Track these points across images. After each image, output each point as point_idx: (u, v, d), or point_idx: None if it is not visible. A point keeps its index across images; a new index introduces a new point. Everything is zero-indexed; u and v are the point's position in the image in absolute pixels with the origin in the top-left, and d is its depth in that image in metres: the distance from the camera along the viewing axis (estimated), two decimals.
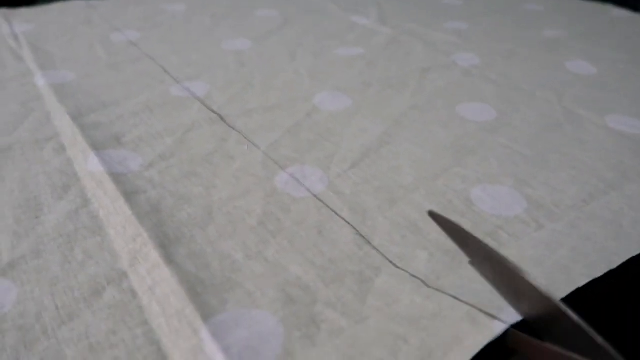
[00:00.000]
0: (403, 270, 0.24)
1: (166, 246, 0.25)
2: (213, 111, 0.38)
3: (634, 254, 0.24)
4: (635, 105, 0.39)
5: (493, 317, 0.20)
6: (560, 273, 0.23)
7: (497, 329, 0.20)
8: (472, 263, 0.23)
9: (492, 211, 0.28)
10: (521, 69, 0.46)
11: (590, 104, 0.40)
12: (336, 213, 0.27)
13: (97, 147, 0.33)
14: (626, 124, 0.37)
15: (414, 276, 0.23)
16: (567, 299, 0.21)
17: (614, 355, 0.17)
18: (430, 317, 0.21)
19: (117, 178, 0.30)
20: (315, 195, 0.29)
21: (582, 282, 0.22)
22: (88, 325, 0.21)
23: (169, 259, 0.24)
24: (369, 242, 0.25)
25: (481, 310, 0.21)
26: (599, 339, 0.17)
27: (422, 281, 0.23)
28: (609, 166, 0.32)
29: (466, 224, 0.27)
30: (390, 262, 0.24)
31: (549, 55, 0.50)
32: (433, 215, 0.23)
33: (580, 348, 0.18)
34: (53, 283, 0.23)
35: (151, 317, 0.22)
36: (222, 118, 0.37)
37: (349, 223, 0.27)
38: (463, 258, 0.25)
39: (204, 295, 0.22)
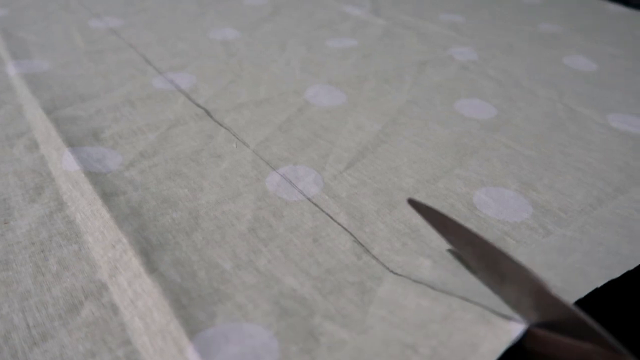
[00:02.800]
0: (406, 277, 0.22)
1: (148, 253, 0.23)
2: (199, 105, 0.36)
3: None
4: (637, 104, 0.38)
5: (508, 317, 0.19)
6: (576, 275, 0.22)
7: (515, 331, 0.18)
8: (452, 249, 0.21)
9: (497, 216, 0.26)
10: (520, 64, 0.45)
11: (591, 101, 0.39)
12: (332, 218, 0.26)
13: (73, 143, 0.30)
14: (629, 123, 0.35)
15: (418, 282, 0.22)
16: (583, 301, 0.20)
17: (611, 340, 0.16)
18: (440, 320, 0.19)
19: (95, 178, 0.28)
20: (309, 199, 0.27)
21: (600, 282, 0.21)
22: (63, 347, 0.19)
23: (151, 267, 0.22)
24: (368, 251, 0.24)
25: (494, 312, 0.19)
26: (594, 325, 0.16)
27: (428, 285, 0.21)
28: (615, 168, 0.30)
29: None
30: (392, 271, 0.23)
31: (547, 50, 0.49)
32: (412, 202, 0.22)
33: (574, 333, 0.17)
34: (24, 298, 0.21)
35: (134, 336, 0.20)
36: (208, 113, 0.35)
37: (346, 229, 0.25)
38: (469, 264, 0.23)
39: (190, 308, 0.21)
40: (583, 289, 0.21)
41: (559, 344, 0.17)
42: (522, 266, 0.18)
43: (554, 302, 0.17)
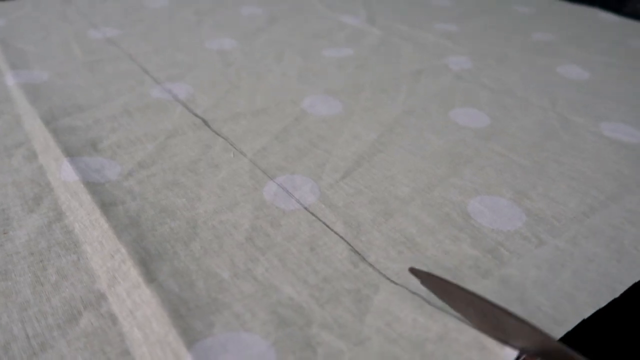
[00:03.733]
0: (403, 286, 0.22)
1: (147, 263, 0.23)
2: (197, 115, 0.36)
3: (637, 279, 0.23)
4: (630, 112, 0.39)
5: (503, 342, 0.19)
6: (565, 301, 0.22)
7: (509, 357, 0.18)
8: (458, 310, 0.21)
9: (491, 225, 0.26)
10: (513, 73, 0.46)
11: (584, 110, 0.39)
12: (329, 227, 0.26)
13: (71, 153, 0.31)
14: (622, 132, 0.36)
15: (414, 293, 0.22)
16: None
17: None
18: (436, 340, 0.20)
19: (94, 188, 0.28)
20: (306, 208, 0.27)
21: (588, 312, 0.22)
22: (63, 357, 0.19)
23: (150, 277, 0.22)
24: (364, 259, 0.24)
25: (490, 336, 0.19)
26: None
27: (424, 299, 0.22)
28: (608, 176, 0.31)
29: (465, 240, 0.25)
30: (388, 278, 0.23)
31: (541, 58, 0.49)
32: (413, 271, 0.22)
33: None
34: (23, 308, 0.21)
35: (133, 346, 0.20)
36: (206, 123, 0.35)
37: (343, 238, 0.25)
38: (464, 275, 0.23)
39: (188, 318, 0.21)
40: (571, 319, 0.21)
41: None
42: (523, 320, 0.18)
43: (557, 349, 0.17)
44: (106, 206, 0.27)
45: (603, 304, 0.22)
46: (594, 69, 0.47)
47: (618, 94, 0.42)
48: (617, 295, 0.22)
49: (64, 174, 0.29)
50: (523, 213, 0.27)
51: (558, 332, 0.21)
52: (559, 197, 0.29)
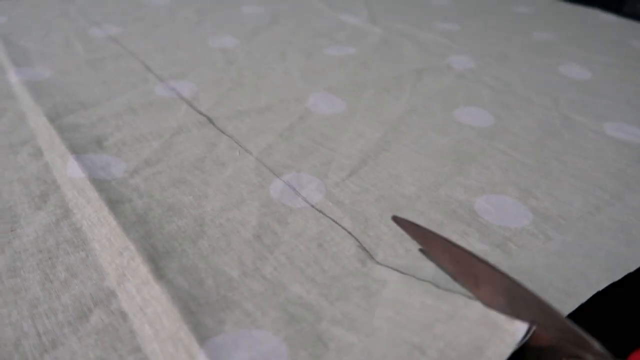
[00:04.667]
0: (410, 275, 0.23)
1: (156, 260, 0.23)
2: (201, 113, 0.36)
3: None
4: (632, 112, 0.39)
5: (513, 317, 0.19)
6: (577, 278, 0.22)
7: (519, 331, 0.18)
8: (427, 254, 0.24)
9: (497, 222, 0.27)
10: (515, 73, 0.46)
11: (586, 109, 0.39)
12: (336, 222, 0.26)
13: (77, 150, 0.31)
14: (624, 132, 0.36)
15: (421, 280, 0.22)
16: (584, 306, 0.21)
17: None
18: (446, 320, 0.20)
19: (100, 185, 0.28)
20: (313, 206, 0.27)
21: (602, 285, 0.21)
22: (74, 353, 0.19)
23: (159, 274, 0.22)
24: (372, 257, 0.24)
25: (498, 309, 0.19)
26: (568, 322, 0.17)
27: (432, 283, 0.22)
28: (611, 175, 0.31)
29: (473, 235, 0.26)
30: (396, 270, 0.23)
31: (542, 58, 0.50)
32: (396, 219, 0.25)
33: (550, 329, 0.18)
34: (33, 305, 0.21)
35: (144, 342, 0.20)
36: (211, 120, 0.35)
37: (350, 233, 0.26)
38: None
39: (199, 315, 0.21)
40: (585, 292, 0.21)
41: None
42: (494, 267, 0.20)
43: (525, 295, 0.18)
44: (113, 203, 0.27)
45: (618, 277, 0.22)
46: (595, 69, 0.47)
47: (619, 93, 0.42)
48: (631, 269, 0.22)
49: (70, 171, 0.29)
50: (529, 211, 0.28)
51: (571, 304, 0.21)
52: (563, 196, 0.29)
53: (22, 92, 0.38)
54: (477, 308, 0.20)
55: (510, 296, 0.19)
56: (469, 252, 0.21)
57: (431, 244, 0.23)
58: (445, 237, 0.22)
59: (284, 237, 0.25)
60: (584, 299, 0.21)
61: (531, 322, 0.18)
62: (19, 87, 0.38)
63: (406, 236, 0.26)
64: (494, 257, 0.24)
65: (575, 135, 0.36)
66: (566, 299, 0.21)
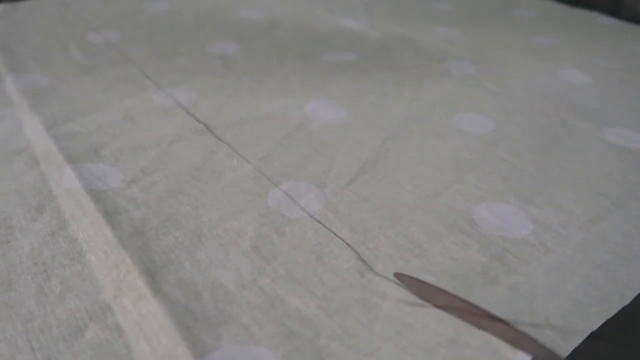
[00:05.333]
0: (410, 291, 0.22)
1: (152, 273, 0.23)
2: (199, 121, 0.36)
3: None
4: (633, 118, 0.39)
5: (515, 345, 0.19)
6: (574, 309, 0.22)
7: None
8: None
9: (497, 232, 0.26)
10: (515, 78, 0.46)
11: (587, 115, 0.39)
12: (335, 234, 0.26)
13: (73, 160, 0.30)
14: (626, 138, 0.36)
15: (422, 299, 0.22)
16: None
17: None
18: (447, 345, 0.20)
19: (97, 195, 0.28)
20: (311, 216, 0.27)
21: (597, 323, 0.21)
22: None
23: (156, 288, 0.22)
24: (371, 269, 0.24)
25: (501, 339, 0.19)
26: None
27: (433, 304, 0.22)
28: (613, 183, 0.31)
29: (473, 246, 0.25)
30: (396, 283, 0.23)
31: (542, 63, 0.49)
32: (398, 276, 0.23)
33: None
34: (27, 320, 0.21)
35: (140, 359, 0.20)
36: (209, 128, 0.35)
37: (349, 245, 0.25)
38: (472, 282, 0.23)
39: (196, 330, 0.21)
40: (582, 328, 0.21)
41: None
42: (503, 321, 0.19)
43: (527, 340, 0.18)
44: (110, 215, 0.26)
45: (613, 312, 0.22)
46: (595, 74, 0.47)
47: (620, 99, 0.42)
48: (626, 302, 0.22)
49: (66, 181, 0.29)
50: (529, 221, 0.27)
51: (566, 349, 0.20)
52: (564, 203, 0.29)
53: (19, 100, 0.37)
54: (479, 335, 0.20)
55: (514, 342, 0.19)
56: (473, 305, 0.20)
57: (436, 299, 0.22)
58: (449, 292, 0.21)
59: (282, 248, 0.25)
60: (578, 340, 0.21)
61: (534, 357, 0.18)
62: (16, 95, 0.38)
63: (405, 247, 0.25)
64: (493, 270, 0.24)
65: (576, 142, 0.35)
66: (562, 344, 0.21)
